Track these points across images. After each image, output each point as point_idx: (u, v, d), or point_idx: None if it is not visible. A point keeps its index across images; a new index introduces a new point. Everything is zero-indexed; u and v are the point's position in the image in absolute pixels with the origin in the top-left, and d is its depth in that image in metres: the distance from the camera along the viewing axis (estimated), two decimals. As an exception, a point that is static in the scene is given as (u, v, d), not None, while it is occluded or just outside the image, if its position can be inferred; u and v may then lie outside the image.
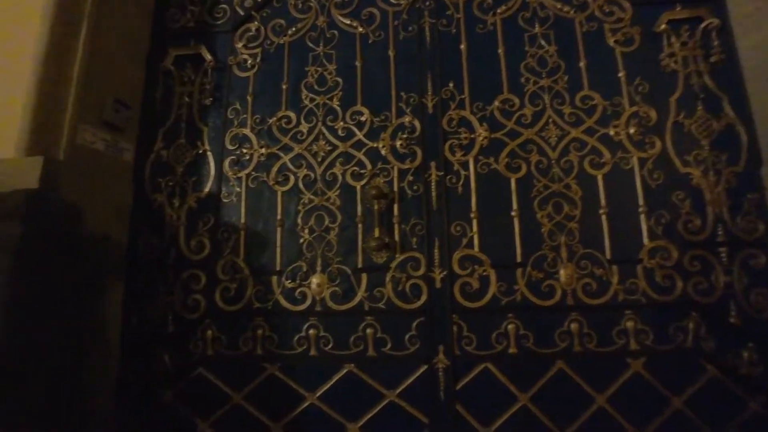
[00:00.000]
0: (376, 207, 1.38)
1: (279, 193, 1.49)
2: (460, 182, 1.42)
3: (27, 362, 1.00)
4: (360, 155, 1.48)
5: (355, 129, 1.51)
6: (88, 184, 1.38)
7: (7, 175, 1.22)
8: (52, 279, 1.10)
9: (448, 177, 1.43)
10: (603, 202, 1.37)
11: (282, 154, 1.52)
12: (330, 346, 1.38)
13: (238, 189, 1.52)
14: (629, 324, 1.31)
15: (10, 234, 1.04)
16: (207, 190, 1.53)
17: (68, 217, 1.17)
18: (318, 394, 1.36)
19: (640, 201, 1.36)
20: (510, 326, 1.33)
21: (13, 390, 0.96)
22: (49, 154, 1.28)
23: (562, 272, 1.35)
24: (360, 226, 1.43)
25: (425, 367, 1.34)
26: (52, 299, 1.08)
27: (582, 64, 1.47)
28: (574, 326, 1.32)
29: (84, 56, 1.40)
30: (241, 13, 1.66)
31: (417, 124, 1.48)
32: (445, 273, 1.37)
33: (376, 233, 1.37)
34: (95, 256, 1.32)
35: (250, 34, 1.65)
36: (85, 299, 1.20)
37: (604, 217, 1.36)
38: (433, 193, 1.42)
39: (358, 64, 1.56)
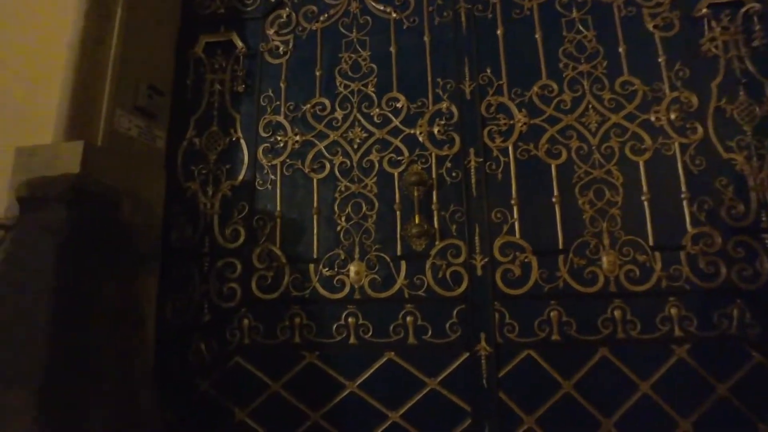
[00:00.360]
0: (415, 194, 1.37)
1: (315, 181, 1.48)
2: (500, 169, 1.41)
3: (75, 348, 0.99)
4: (397, 142, 1.47)
5: (391, 115, 1.49)
6: (124, 171, 1.36)
7: (47, 161, 1.21)
8: (96, 265, 1.08)
9: (488, 163, 1.41)
10: (645, 188, 1.36)
11: (317, 142, 1.51)
12: (369, 334, 1.37)
13: (272, 177, 1.50)
14: (673, 311, 1.30)
15: (56, 218, 1.02)
16: (241, 177, 1.52)
17: (110, 202, 1.16)
18: (358, 383, 1.35)
19: (683, 187, 1.35)
20: (552, 313, 1.32)
21: (66, 375, 0.95)
22: (88, 140, 1.27)
23: (604, 259, 1.33)
24: (398, 213, 1.41)
25: (467, 354, 1.33)
26: (96, 286, 1.07)
27: (621, 49, 1.45)
28: (617, 313, 1.31)
29: (119, 41, 1.38)
30: (272, -1, 1.65)
31: (454, 110, 1.46)
32: (486, 260, 1.35)
33: (416, 220, 1.36)
34: (132, 243, 1.30)
35: (282, 20, 1.63)
36: (125, 287, 1.18)
37: (646, 204, 1.35)
38: (473, 180, 1.40)
39: (392, 50, 1.54)
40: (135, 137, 1.42)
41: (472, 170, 1.41)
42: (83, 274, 1.02)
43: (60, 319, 0.96)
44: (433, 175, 1.42)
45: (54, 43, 1.42)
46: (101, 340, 1.03)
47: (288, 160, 1.51)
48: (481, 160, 1.41)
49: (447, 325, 1.35)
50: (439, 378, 1.33)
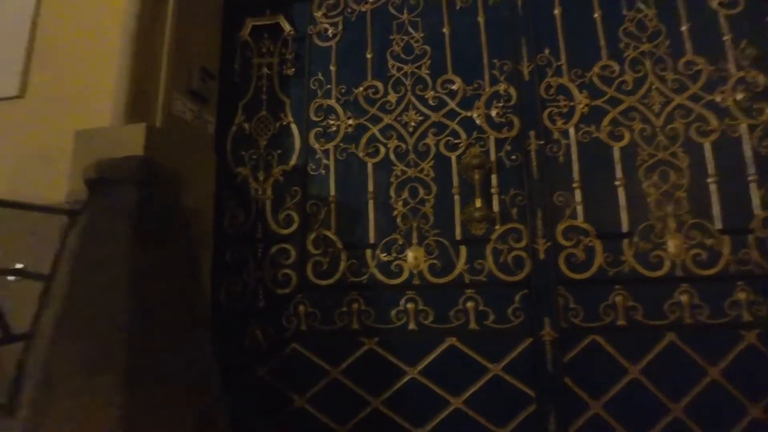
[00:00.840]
0: (476, 177, 1.34)
1: (369, 165, 1.45)
2: (561, 151, 1.38)
3: (153, 331, 0.97)
4: (453, 125, 1.44)
5: (446, 98, 1.46)
6: (180, 155, 1.34)
7: (109, 144, 1.18)
8: (166, 248, 1.07)
9: (549, 146, 1.38)
10: (711, 170, 1.33)
11: (370, 125, 1.48)
12: (430, 320, 1.35)
13: (325, 161, 1.48)
14: (741, 295, 1.27)
15: (127, 199, 1.00)
16: (293, 162, 1.49)
17: (175, 185, 1.14)
18: (419, 369, 1.33)
19: (750, 169, 1.31)
20: (618, 298, 1.30)
21: (147, 358, 0.94)
22: (147, 123, 1.25)
23: (670, 243, 1.31)
24: (457, 197, 1.39)
25: (530, 340, 1.31)
26: (167, 269, 1.05)
27: (684, 28, 1.41)
28: (684, 298, 1.29)
29: (172, 24, 1.35)
30: (319, -20, 1.61)
31: (513, 92, 1.43)
32: (549, 244, 1.33)
33: (478, 204, 1.33)
34: (191, 227, 1.29)
35: (329, 2, 1.59)
36: (191, 271, 1.17)
37: (713, 186, 1.32)
38: (534, 163, 1.37)
39: (446, 31, 1.50)
40: (189, 121, 1.40)
41: (533, 153, 1.38)
42: (156, 256, 1.01)
43: (138, 303, 0.94)
44: (492, 159, 1.40)
45: (107, 26, 1.40)
46: (175, 324, 1.02)
47: (341, 145, 1.48)
48: (542, 142, 1.38)
49: (509, 311, 1.33)
50: (502, 363, 1.31)
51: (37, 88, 1.46)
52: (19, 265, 1.35)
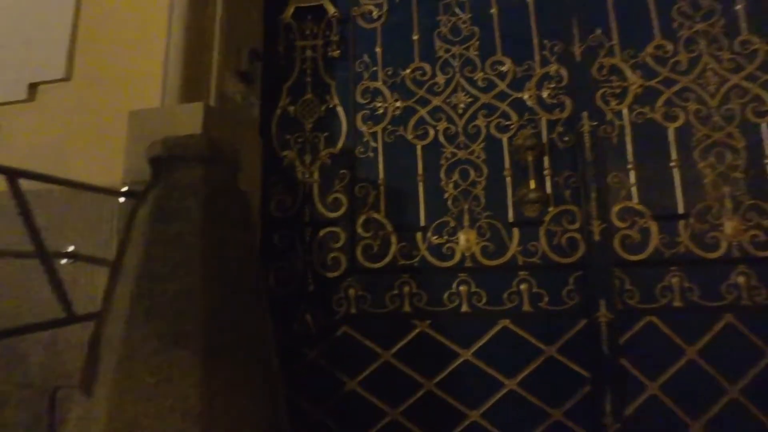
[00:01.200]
0: (529, 158, 1.33)
1: (418, 147, 1.44)
2: (615, 132, 1.36)
3: (227, 310, 0.97)
4: (504, 106, 1.42)
5: (496, 79, 1.44)
6: (232, 137, 1.33)
7: (164, 123, 1.18)
8: (231, 227, 1.06)
9: (602, 127, 1.37)
10: (768, 151, 1.32)
11: (419, 107, 1.46)
12: (483, 302, 1.34)
13: (373, 144, 1.47)
14: (800, 276, 1.27)
15: (195, 177, 0.99)
16: (340, 145, 1.48)
17: (235, 165, 1.13)
18: (472, 351, 1.33)
19: (809, 150, 1.31)
20: (674, 279, 1.29)
21: (221, 336, 0.93)
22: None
23: (727, 224, 1.29)
24: (508, 179, 1.38)
25: (585, 321, 1.30)
26: (234, 247, 1.05)
27: (739, 7, 1.39)
28: (741, 279, 1.27)
29: (222, 3, 1.34)
30: (362, -39, 1.59)
31: (564, 73, 1.41)
32: (603, 226, 1.32)
33: (532, 185, 1.33)
34: (249, 208, 1.28)
35: (373, -17, 1.58)
36: (252, 252, 1.16)
37: (770, 167, 1.31)
38: (587, 144, 1.36)
39: (493, 11, 1.48)
40: (239, 102, 1.39)
41: (586, 134, 1.36)
42: (224, 234, 1.00)
43: (212, 281, 0.93)
44: (544, 140, 1.39)
45: (151, 7, 1.39)
46: (246, 304, 1.01)
47: (389, 127, 1.47)
48: (595, 123, 1.37)
49: (564, 292, 1.32)
50: (557, 345, 1.30)
51: (83, 70, 1.45)
52: (70, 248, 1.35)
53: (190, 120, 1.16)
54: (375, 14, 1.55)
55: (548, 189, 1.36)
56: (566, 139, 1.38)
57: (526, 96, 1.42)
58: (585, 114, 1.38)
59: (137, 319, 0.88)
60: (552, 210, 1.35)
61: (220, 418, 0.87)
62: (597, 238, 1.32)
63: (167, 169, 1.02)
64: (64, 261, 1.33)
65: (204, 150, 1.02)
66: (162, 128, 1.16)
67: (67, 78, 1.46)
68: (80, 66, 1.46)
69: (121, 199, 1.31)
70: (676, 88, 1.37)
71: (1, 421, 1.29)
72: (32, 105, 1.48)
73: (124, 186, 1.19)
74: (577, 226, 1.34)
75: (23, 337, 1.32)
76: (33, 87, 1.48)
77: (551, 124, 1.40)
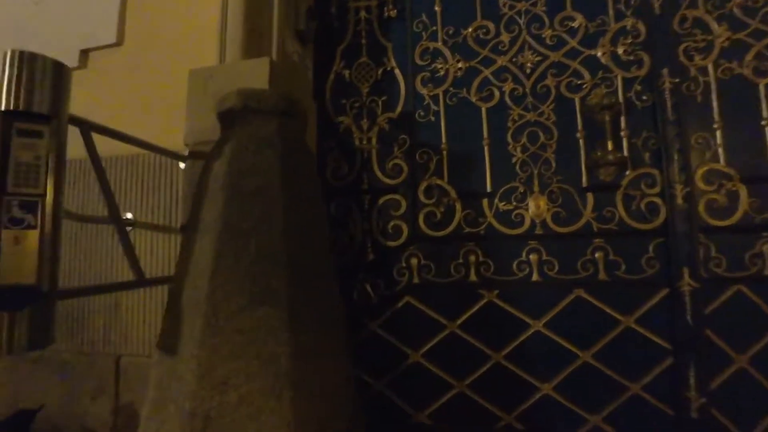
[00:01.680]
0: (606, 119, 1.25)
1: (483, 110, 1.36)
2: (699, 90, 1.27)
3: (306, 269, 0.93)
4: (575, 65, 1.33)
5: (566, 36, 1.35)
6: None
7: (228, 81, 1.13)
8: (306, 183, 1.01)
9: (685, 84, 1.27)
10: None
11: (482, 68, 1.39)
12: (555, 271, 1.28)
13: (434, 107, 1.40)
14: None
15: (270, 130, 0.94)
16: (399, 110, 1.42)
17: (305, 120, 1.08)
18: (543, 321, 1.27)
19: None
20: (765, 246, 1.20)
21: (302, 295, 0.89)
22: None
23: (824, 186, 1.21)
24: (581, 141, 1.30)
25: (667, 290, 1.23)
26: (309, 205, 1.00)
27: (837, -49, 1.28)
28: (838, 245, 1.19)
29: (279, -42, 1.28)
30: None
31: (641, 27, 1.32)
32: (687, 189, 1.23)
33: (609, 146, 1.25)
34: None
35: (429, -61, 1.50)
36: (323, 212, 1.11)
37: None
38: (668, 103, 1.27)
39: (562, -36, 1.40)
40: (297, 62, 1.33)
41: (667, 92, 1.27)
42: (300, 190, 0.95)
43: (293, 237, 0.89)
44: (620, 99, 1.30)
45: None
46: (322, 264, 0.97)
47: (451, 89, 1.39)
48: (677, 80, 1.27)
49: (643, 260, 1.25)
50: (635, 315, 1.23)
51: (134, 34, 1.41)
52: (128, 215, 1.33)
53: (254, 76, 1.11)
54: (433, -29, 1.47)
55: (625, 151, 1.28)
56: (645, 97, 1.29)
57: (599, 53, 1.33)
58: (665, 71, 1.28)
59: (221, 276, 0.84)
60: (630, 173, 1.27)
61: (309, 379, 0.83)
62: (680, 202, 1.24)
63: (241, 122, 0.97)
64: (129, 228, 1.31)
65: (280, 102, 0.96)
66: (225, 86, 1.11)
67: (118, 43, 1.42)
68: (131, 29, 1.42)
69: (182, 165, 1.28)
70: (767, 41, 1.27)
71: (67, 389, 1.28)
72: (84, 72, 1.45)
73: (186, 148, 1.15)
74: (657, 190, 1.26)
75: (85, 306, 1.30)
76: (84, 53, 1.45)
77: (628, 83, 1.30)
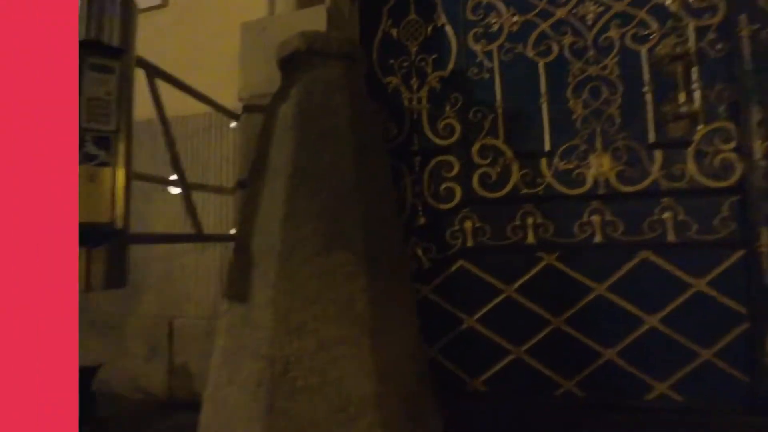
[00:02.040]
0: (678, 70, 1.18)
1: (540, 65, 1.30)
2: (780, 37, 1.19)
3: (376, 214, 0.89)
4: (642, 14, 1.25)
5: (631, -16, 1.28)
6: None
7: (284, 30, 1.09)
8: (371, 127, 0.97)
9: (765, 31, 1.19)
10: None
11: (539, 21, 1.32)
12: (619, 232, 1.22)
13: (488, 64, 1.34)
14: None
15: (337, 74, 0.91)
16: (450, 67, 1.36)
17: (364, 66, 1.03)
18: (606, 285, 1.22)
19: None
20: None
21: (374, 241, 0.86)
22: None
23: None
24: (648, 95, 1.23)
25: (743, 252, 1.15)
26: (375, 152, 0.96)
27: None
28: None
29: None
30: None
31: (715, -29, 1.24)
32: (766, 145, 1.16)
33: (681, 99, 1.17)
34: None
35: None
36: (384, 158, 1.07)
37: None
38: (746, 52, 1.18)
39: None
40: (346, 18, 1.29)
41: (745, 40, 1.18)
42: (367, 135, 0.91)
43: (364, 181, 0.86)
44: (692, 50, 1.22)
45: None
46: (389, 211, 0.93)
47: (506, 45, 1.33)
48: (757, 27, 1.18)
49: (716, 220, 1.17)
50: (707, 278, 1.17)
51: (179, -5, 1.39)
52: (173, 177, 1.31)
53: (311, 26, 1.07)
54: None
55: (697, 105, 1.20)
56: (719, 47, 1.21)
57: (668, 1, 1.25)
58: (743, 17, 1.19)
59: (294, 219, 0.81)
60: (702, 128, 1.19)
61: (384, 326, 0.80)
62: (758, 158, 1.16)
63: (305, 66, 0.93)
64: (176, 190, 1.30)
65: (344, 45, 0.92)
66: (280, 37, 1.07)
67: (164, 4, 1.40)
68: (176, -10, 1.40)
69: (232, 125, 1.26)
70: None
71: (120, 351, 1.29)
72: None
73: (240, 101, 1.12)
74: (733, 145, 1.18)
75: (138, 268, 1.30)
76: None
77: (701, 31, 1.22)
